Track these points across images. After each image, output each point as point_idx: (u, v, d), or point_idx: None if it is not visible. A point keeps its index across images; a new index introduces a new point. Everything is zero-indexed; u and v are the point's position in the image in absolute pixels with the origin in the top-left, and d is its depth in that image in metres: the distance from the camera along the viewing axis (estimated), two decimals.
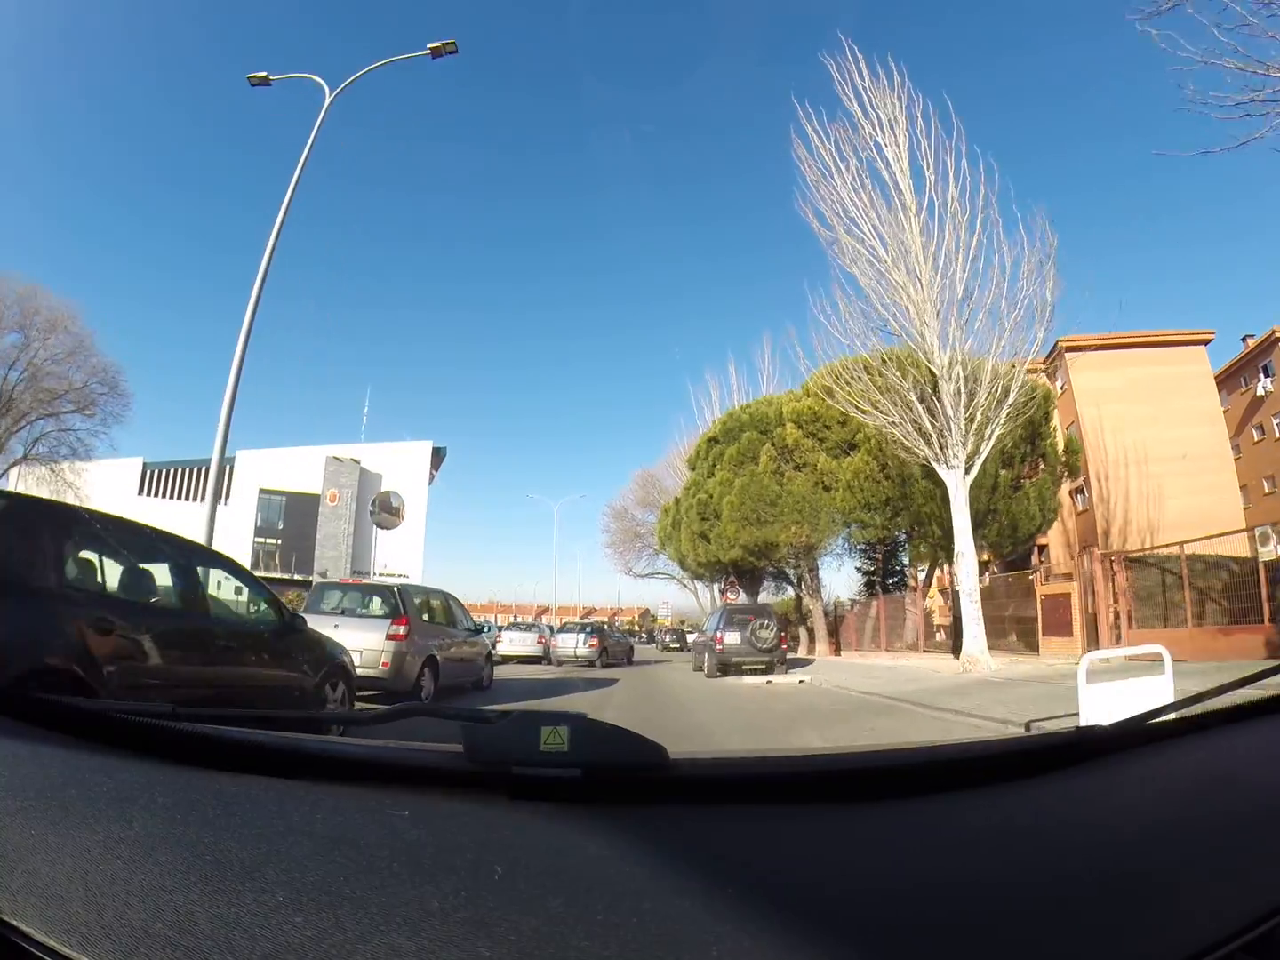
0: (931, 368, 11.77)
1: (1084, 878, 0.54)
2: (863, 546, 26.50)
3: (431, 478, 41.74)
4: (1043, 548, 25.68)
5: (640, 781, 0.68)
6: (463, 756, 0.68)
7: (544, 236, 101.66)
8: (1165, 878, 0.56)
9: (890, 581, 27.88)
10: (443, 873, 0.52)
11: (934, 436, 11.87)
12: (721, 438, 23.94)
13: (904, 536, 21.72)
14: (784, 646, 12.95)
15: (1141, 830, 0.64)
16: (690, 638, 41.40)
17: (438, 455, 41.28)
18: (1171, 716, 0.86)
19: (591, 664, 17.26)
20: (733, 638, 12.65)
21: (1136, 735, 0.84)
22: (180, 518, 33.30)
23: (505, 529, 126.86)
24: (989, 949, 0.47)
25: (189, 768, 0.68)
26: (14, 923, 0.47)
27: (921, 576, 23.35)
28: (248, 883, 0.50)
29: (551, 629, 24.79)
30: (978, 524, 15.06)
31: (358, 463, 37.18)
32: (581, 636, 17.99)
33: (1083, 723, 1.53)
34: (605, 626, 21.96)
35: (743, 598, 26.39)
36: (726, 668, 12.77)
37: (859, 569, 30.71)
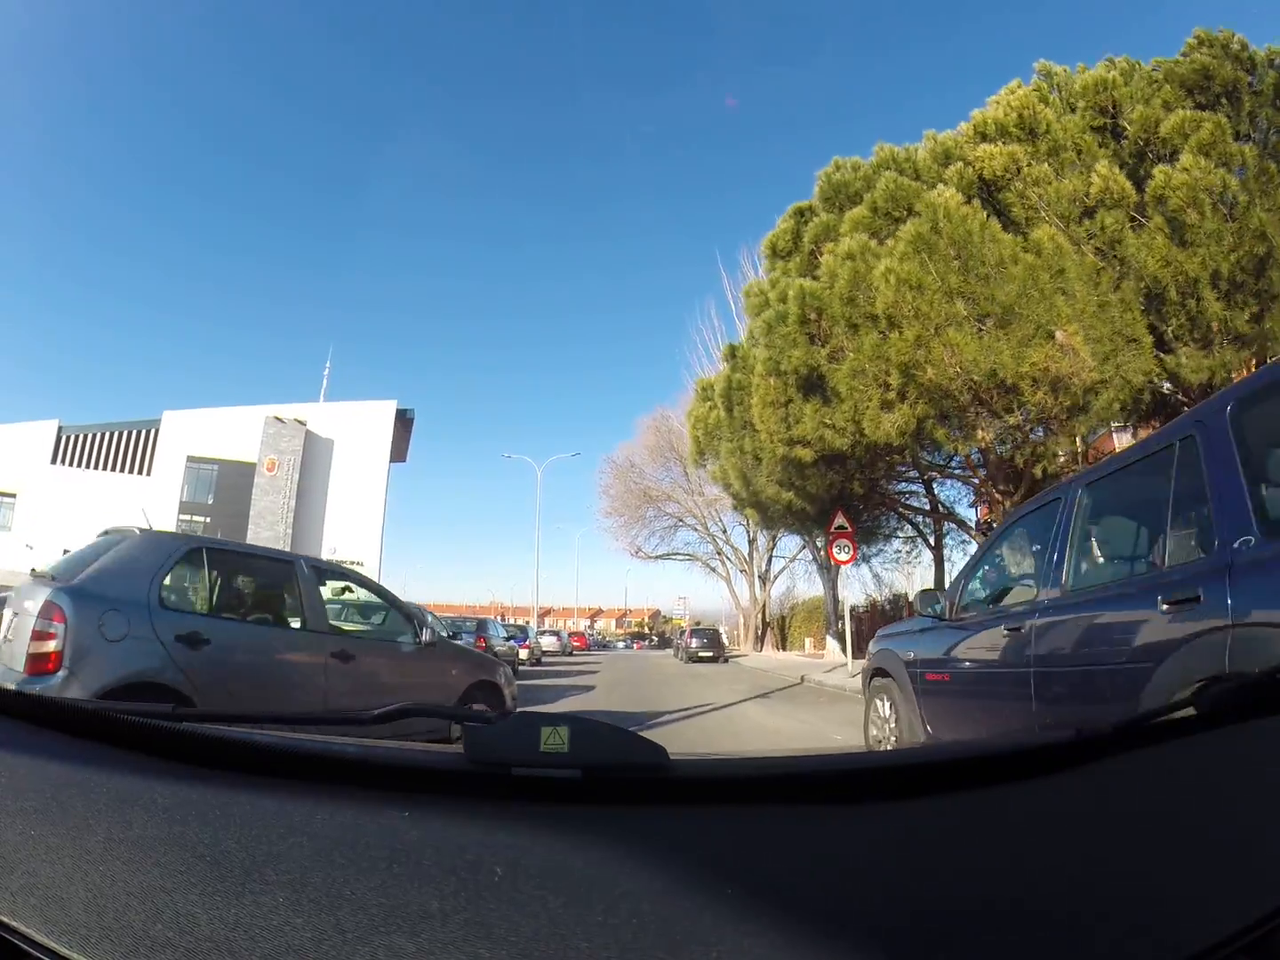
0: None
1: (1083, 879, 0.59)
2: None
3: (403, 453, 38.09)
4: None
5: (640, 782, 0.72)
6: (463, 757, 0.72)
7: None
8: (1164, 879, 0.60)
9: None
10: (442, 873, 0.56)
11: None
12: (824, 206, 11.65)
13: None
14: None
15: (1141, 831, 0.68)
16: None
17: (404, 420, 37.34)
18: (1171, 716, 0.90)
19: None
20: None
21: (1136, 735, 0.88)
22: (99, 490, 31.83)
23: (494, 520, 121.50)
24: (988, 949, 0.52)
25: (189, 768, 0.71)
26: (14, 924, 0.51)
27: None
28: (247, 884, 0.53)
29: None
30: None
31: (303, 424, 33.68)
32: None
33: None
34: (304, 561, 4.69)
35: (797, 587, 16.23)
36: None
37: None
